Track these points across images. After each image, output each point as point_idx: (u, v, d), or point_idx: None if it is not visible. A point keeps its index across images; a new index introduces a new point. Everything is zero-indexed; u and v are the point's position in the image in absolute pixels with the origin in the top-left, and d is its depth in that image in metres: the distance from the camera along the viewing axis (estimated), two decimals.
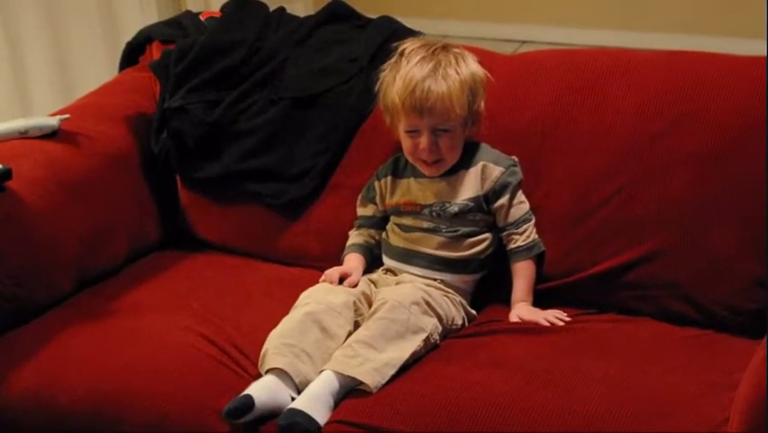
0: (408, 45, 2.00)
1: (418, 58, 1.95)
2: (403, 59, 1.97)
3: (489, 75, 2.01)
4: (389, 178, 2.08)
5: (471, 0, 4.98)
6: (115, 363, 1.85)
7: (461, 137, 1.98)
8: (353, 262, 2.06)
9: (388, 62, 2.02)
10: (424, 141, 1.94)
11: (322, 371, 1.75)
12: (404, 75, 1.94)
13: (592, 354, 1.79)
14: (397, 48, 2.01)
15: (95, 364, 1.85)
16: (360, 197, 2.14)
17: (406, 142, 1.99)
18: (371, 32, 2.36)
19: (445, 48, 1.98)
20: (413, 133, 1.96)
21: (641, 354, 1.81)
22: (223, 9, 2.48)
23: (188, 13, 2.59)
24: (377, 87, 2.04)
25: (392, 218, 2.08)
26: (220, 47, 2.35)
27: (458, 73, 1.94)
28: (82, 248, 2.11)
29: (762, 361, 1.46)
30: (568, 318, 1.92)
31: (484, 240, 2.00)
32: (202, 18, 2.49)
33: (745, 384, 1.50)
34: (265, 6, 2.49)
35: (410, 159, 2.01)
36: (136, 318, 1.98)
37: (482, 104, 2.00)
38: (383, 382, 1.74)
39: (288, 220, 2.25)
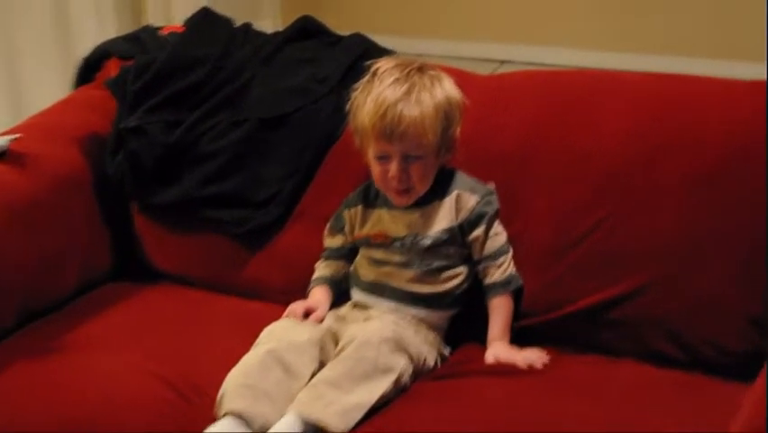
0: (382, 64, 1.95)
1: (392, 79, 1.90)
2: (376, 79, 1.92)
3: (465, 99, 1.97)
4: (360, 207, 2.02)
5: (448, 18, 4.96)
6: (60, 405, 1.77)
7: (433, 165, 1.93)
8: (319, 295, 2.01)
9: (360, 82, 1.97)
10: (393, 168, 1.89)
11: (285, 414, 1.70)
12: (375, 97, 1.89)
13: (573, 399, 1.74)
14: (370, 67, 1.97)
15: (36, 407, 1.78)
16: (327, 226, 2.09)
17: (375, 169, 1.93)
18: (342, 51, 2.32)
19: (421, 69, 1.93)
20: (382, 159, 1.91)
21: (624, 397, 1.75)
22: (185, 24, 2.44)
23: (148, 27, 2.54)
24: (347, 108, 1.99)
25: (362, 250, 2.02)
26: (182, 64, 2.30)
27: (432, 97, 1.89)
28: (27, 279, 2.04)
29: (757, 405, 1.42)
30: (547, 359, 1.87)
31: (459, 274, 1.94)
32: (163, 33, 2.45)
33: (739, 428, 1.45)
34: (230, 22, 2.45)
35: (379, 186, 1.96)
36: (85, 356, 1.91)
37: (458, 130, 1.95)
38: (350, 426, 1.68)
39: (251, 250, 2.19)
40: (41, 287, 2.09)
